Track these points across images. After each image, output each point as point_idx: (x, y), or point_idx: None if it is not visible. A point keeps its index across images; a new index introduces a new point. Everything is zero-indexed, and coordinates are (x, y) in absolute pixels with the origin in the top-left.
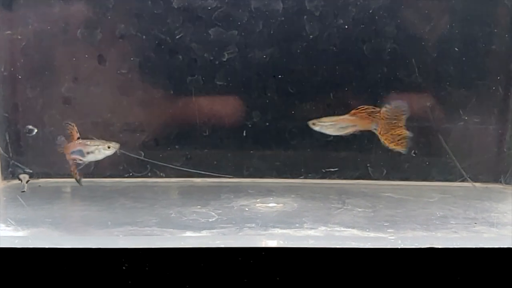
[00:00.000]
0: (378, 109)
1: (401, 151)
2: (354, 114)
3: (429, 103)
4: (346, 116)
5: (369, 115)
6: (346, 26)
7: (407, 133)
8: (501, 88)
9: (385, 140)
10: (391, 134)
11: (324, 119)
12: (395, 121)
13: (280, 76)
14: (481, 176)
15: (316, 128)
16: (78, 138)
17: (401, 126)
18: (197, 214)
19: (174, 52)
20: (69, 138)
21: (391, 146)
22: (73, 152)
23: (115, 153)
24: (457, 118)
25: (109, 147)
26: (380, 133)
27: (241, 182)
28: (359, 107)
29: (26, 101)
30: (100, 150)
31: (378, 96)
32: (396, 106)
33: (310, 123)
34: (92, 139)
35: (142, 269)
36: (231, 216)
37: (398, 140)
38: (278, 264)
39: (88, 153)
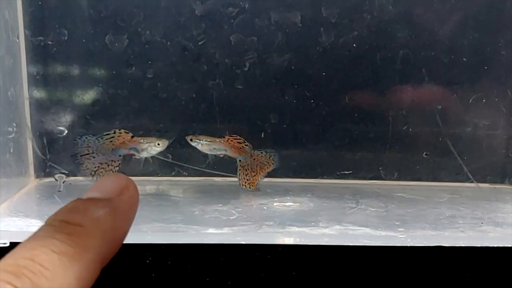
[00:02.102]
0: (249, 147)
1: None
2: (227, 141)
3: (439, 106)
4: (220, 140)
5: (239, 147)
6: (358, 33)
7: (260, 180)
8: (510, 92)
9: (242, 173)
10: (251, 172)
11: (201, 137)
12: (262, 165)
13: (297, 82)
14: (489, 177)
15: (193, 144)
16: (133, 137)
17: (261, 173)
18: (219, 212)
19: (197, 58)
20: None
21: (242, 182)
22: (131, 149)
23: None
24: (466, 122)
25: (158, 144)
26: (242, 166)
27: (259, 181)
28: (233, 135)
29: (58, 104)
30: (152, 147)
31: (390, 99)
32: (269, 155)
33: (188, 138)
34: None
35: (165, 263)
36: (250, 214)
37: (252, 181)
38: (294, 260)
39: (142, 150)
